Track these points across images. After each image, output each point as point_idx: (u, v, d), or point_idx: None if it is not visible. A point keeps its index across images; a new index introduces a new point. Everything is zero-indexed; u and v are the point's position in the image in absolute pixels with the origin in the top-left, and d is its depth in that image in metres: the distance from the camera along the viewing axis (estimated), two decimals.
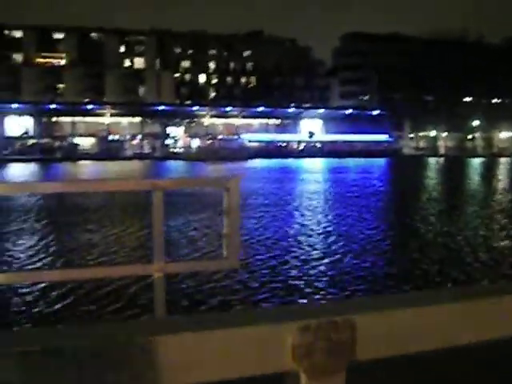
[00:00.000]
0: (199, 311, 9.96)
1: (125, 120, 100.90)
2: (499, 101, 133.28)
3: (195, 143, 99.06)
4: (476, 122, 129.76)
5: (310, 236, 17.66)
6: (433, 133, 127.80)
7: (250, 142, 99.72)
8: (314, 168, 66.67)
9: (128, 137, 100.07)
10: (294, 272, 12.79)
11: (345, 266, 13.31)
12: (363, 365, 1.10)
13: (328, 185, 40.87)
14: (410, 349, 1.17)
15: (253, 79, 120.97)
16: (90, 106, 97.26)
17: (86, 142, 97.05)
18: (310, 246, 15.97)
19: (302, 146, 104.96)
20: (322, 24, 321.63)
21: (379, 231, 18.98)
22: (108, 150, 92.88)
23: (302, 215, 22.60)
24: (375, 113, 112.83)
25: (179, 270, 3.01)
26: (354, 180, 44.85)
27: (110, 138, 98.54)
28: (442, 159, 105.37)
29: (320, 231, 18.46)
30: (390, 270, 13.27)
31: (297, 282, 11.97)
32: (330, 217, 22.14)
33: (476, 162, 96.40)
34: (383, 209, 26.60)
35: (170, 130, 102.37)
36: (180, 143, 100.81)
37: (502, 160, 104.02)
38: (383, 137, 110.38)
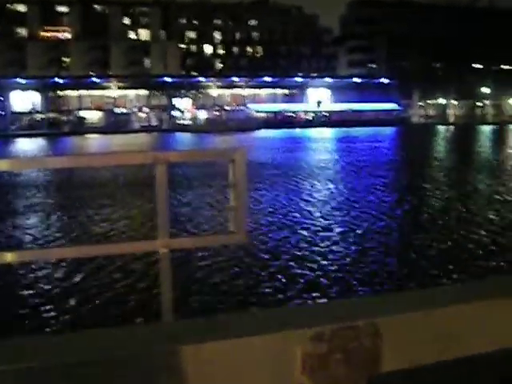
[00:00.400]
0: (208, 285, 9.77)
1: (131, 92, 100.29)
2: (509, 67, 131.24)
3: (202, 115, 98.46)
4: (486, 89, 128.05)
5: (327, 210, 17.35)
6: (442, 101, 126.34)
7: (257, 112, 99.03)
8: (323, 137, 66.18)
9: (135, 109, 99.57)
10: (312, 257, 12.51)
11: (363, 246, 13.01)
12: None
13: (339, 154, 40.48)
14: (446, 356, 1.02)
15: (259, 49, 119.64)
16: (95, 79, 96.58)
17: (92, 116, 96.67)
18: (323, 220, 15.69)
19: (309, 116, 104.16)
20: None
21: (394, 205, 18.66)
22: (115, 123, 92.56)
23: (315, 186, 22.28)
24: (384, 81, 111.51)
25: (185, 245, 2.93)
26: (363, 149, 44.43)
27: (117, 110, 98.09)
28: (451, 127, 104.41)
29: (335, 205, 18.18)
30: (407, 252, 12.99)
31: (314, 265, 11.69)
32: (346, 188, 21.81)
33: (486, 129, 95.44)
34: (396, 179, 26.26)
35: (177, 101, 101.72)
36: (187, 115, 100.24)
37: None
38: (392, 105, 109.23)
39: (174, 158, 2.59)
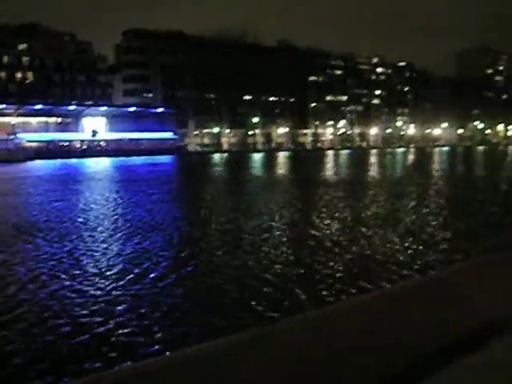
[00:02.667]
0: None
1: None
2: (276, 99, 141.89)
3: None
4: (256, 119, 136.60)
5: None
6: (216, 130, 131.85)
7: (28, 141, 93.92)
8: (99, 168, 64.91)
9: None
10: None
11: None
12: None
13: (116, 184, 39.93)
14: None
15: (30, 75, 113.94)
16: None
17: None
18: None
19: (85, 145, 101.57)
20: (104, 18, 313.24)
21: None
22: None
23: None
24: (159, 110, 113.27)
25: None
26: (142, 179, 44.57)
27: None
28: (225, 155, 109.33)
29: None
30: None
31: None
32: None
33: (257, 156, 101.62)
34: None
35: None
36: None
37: (280, 154, 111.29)
38: (168, 134, 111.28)
39: None
